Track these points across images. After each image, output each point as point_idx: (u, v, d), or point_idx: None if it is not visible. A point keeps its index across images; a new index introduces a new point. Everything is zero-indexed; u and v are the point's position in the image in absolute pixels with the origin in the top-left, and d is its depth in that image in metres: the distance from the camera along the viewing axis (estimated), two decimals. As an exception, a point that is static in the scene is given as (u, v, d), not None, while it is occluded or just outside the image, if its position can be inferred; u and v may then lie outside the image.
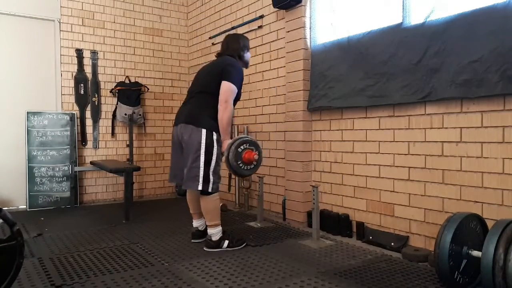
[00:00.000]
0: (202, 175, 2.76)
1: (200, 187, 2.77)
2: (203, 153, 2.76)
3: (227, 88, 2.80)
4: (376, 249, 2.95)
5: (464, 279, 2.13)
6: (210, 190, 2.79)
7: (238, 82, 2.88)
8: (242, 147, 2.83)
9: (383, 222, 3.11)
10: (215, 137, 2.81)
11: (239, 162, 2.82)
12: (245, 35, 3.41)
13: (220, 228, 2.91)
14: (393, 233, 3.01)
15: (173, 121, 5.38)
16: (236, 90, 2.86)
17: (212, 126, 2.82)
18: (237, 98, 2.93)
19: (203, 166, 2.76)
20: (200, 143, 2.76)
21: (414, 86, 2.80)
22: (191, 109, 2.89)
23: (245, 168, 2.87)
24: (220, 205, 3.20)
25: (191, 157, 2.79)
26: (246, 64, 3.14)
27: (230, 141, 2.83)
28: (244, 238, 3.05)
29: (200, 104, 2.87)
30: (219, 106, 2.80)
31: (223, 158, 2.86)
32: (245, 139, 2.86)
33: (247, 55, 3.12)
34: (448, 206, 2.67)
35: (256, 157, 2.85)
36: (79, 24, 4.88)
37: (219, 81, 2.82)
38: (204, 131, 2.78)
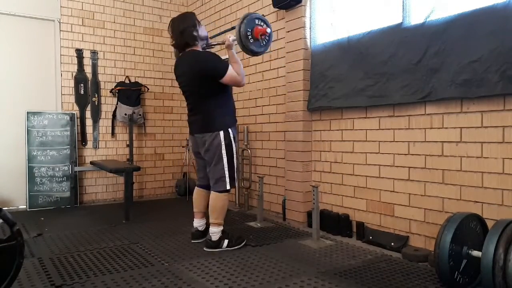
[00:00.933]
0: (228, 175, 2.85)
1: (228, 187, 2.86)
2: (225, 154, 2.84)
3: (229, 78, 2.80)
4: (376, 249, 2.95)
5: (464, 279, 2.13)
6: (235, 185, 2.96)
7: (222, 63, 2.81)
8: (252, 23, 2.74)
9: (383, 222, 3.11)
10: (231, 135, 2.88)
11: (253, 41, 2.75)
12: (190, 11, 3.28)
13: (221, 228, 2.92)
14: (393, 233, 3.01)
15: (174, 121, 5.47)
16: (230, 67, 2.80)
17: (227, 123, 2.88)
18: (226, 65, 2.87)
19: (227, 165, 2.85)
20: (220, 145, 2.84)
21: (414, 86, 2.80)
22: (202, 117, 2.90)
23: (260, 44, 2.80)
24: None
25: (214, 160, 2.86)
26: (206, 40, 2.99)
27: (238, 20, 2.76)
28: (244, 237, 3.05)
29: (208, 110, 2.88)
30: (241, 86, 2.94)
31: (234, 36, 2.76)
32: (249, 17, 2.76)
33: (202, 31, 2.92)
34: (448, 206, 2.67)
35: (268, 30, 2.79)
36: (79, 24, 4.88)
37: (210, 82, 2.81)
38: (221, 133, 2.84)
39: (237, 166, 2.94)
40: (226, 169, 2.85)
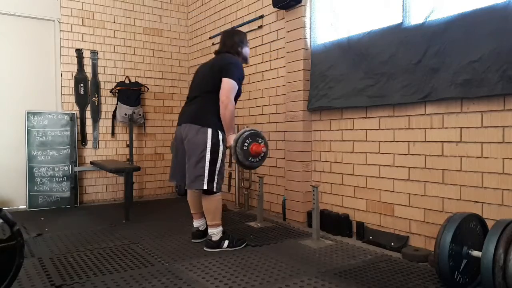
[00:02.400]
0: (207, 175, 2.76)
1: (205, 187, 2.77)
2: (209, 153, 2.76)
3: (227, 85, 2.79)
4: (376, 249, 2.95)
5: (464, 279, 2.13)
6: (214, 189, 2.80)
7: (238, 78, 2.86)
8: (248, 140, 2.81)
9: (383, 222, 3.11)
10: (220, 136, 2.82)
11: (248, 157, 2.82)
12: (243, 31, 3.40)
13: (220, 228, 2.91)
14: (393, 233, 3.01)
15: (174, 121, 5.46)
16: (237, 87, 2.85)
17: (218, 125, 2.82)
18: (237, 95, 2.91)
19: (208, 165, 2.76)
20: (206, 143, 2.76)
21: (414, 86, 2.80)
22: (196, 109, 2.88)
23: (254, 160, 2.87)
24: (220, 205, 3.20)
25: (196, 157, 2.78)
26: (245, 60, 3.11)
27: (235, 135, 2.83)
28: (244, 238, 3.05)
29: (204, 104, 2.87)
30: (220, 103, 2.79)
31: (231, 152, 2.85)
32: (250, 132, 2.84)
33: (246, 50, 3.08)
34: (448, 206, 2.67)
35: (264, 149, 2.85)
36: (79, 24, 4.88)
37: (220, 79, 2.81)
38: (209, 130, 2.78)
39: (220, 170, 2.81)
40: (206, 168, 2.75)
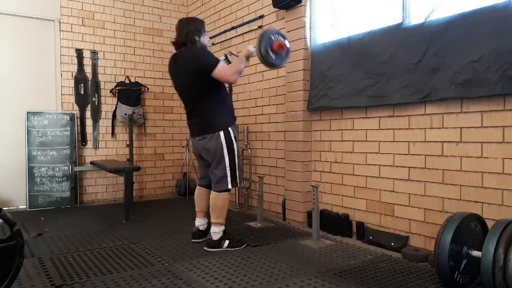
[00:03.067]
0: (229, 174, 2.85)
1: (229, 186, 2.86)
2: (226, 153, 2.83)
3: (219, 73, 2.75)
4: (376, 249, 2.95)
5: (464, 279, 2.13)
6: (238, 184, 2.93)
7: (213, 58, 2.81)
8: (273, 37, 2.78)
9: (383, 222, 3.11)
10: (232, 134, 2.88)
11: (273, 54, 2.78)
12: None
13: (223, 228, 2.92)
14: (393, 233, 3.01)
15: (174, 121, 5.47)
16: (222, 63, 2.82)
17: (226, 123, 2.87)
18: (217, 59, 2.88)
19: (229, 164, 2.84)
20: (222, 145, 2.83)
21: (414, 86, 2.80)
22: (200, 120, 2.90)
23: (278, 56, 2.83)
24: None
25: (216, 160, 2.86)
26: (205, 47, 3.02)
27: (258, 35, 2.80)
28: (245, 239, 3.05)
29: (204, 112, 2.87)
30: (231, 82, 2.87)
31: (256, 52, 2.79)
32: (271, 30, 2.82)
33: (204, 39, 2.97)
34: (448, 206, 2.67)
35: (287, 43, 2.83)
36: (79, 24, 4.88)
37: (205, 79, 2.78)
38: (221, 133, 2.83)
39: (239, 165, 2.94)
40: (228, 168, 2.84)
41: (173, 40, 2.99)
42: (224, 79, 2.82)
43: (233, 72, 2.79)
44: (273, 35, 2.79)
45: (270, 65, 2.88)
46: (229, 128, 2.87)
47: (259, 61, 2.87)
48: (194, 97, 2.89)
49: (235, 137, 2.90)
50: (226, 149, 2.83)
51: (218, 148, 2.83)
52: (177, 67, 2.94)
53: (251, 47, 2.82)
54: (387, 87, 2.98)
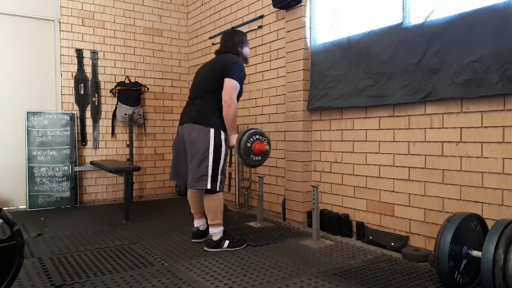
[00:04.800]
0: (210, 174, 2.77)
1: (209, 186, 2.78)
2: (212, 152, 2.77)
3: (229, 85, 2.80)
4: (376, 249, 2.95)
5: (464, 279, 2.13)
6: (218, 189, 2.82)
7: (240, 78, 2.87)
8: (251, 139, 2.82)
9: (383, 222, 3.11)
10: (223, 136, 2.83)
11: (250, 156, 2.83)
12: (243, 31, 3.40)
13: (221, 228, 2.91)
14: (393, 233, 3.01)
15: (174, 121, 5.46)
16: (239, 86, 2.85)
17: (220, 125, 2.83)
18: (239, 94, 2.92)
19: (211, 165, 2.77)
20: (208, 142, 2.77)
21: (414, 86, 2.80)
22: (197, 109, 2.89)
23: (257, 158, 2.88)
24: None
25: (198, 157, 2.78)
26: (245, 60, 3.12)
27: (238, 135, 2.84)
28: (245, 238, 3.05)
29: (206, 104, 2.87)
30: (222, 102, 2.80)
31: (235, 152, 2.86)
32: (253, 131, 2.86)
33: (246, 50, 3.10)
34: (448, 206, 2.67)
35: (267, 147, 2.85)
36: (79, 24, 4.88)
37: (222, 80, 2.81)
38: (212, 130, 2.79)
39: (223, 169, 2.84)
40: (210, 168, 2.76)
41: (217, 49, 3.09)
42: (224, 91, 2.80)
43: (232, 98, 2.79)
44: (255, 136, 2.83)
45: (248, 166, 2.98)
46: (221, 131, 2.83)
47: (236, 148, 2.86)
48: (206, 89, 2.90)
49: (225, 140, 2.84)
50: (212, 148, 2.77)
51: (204, 143, 2.76)
52: (208, 65, 3.02)
53: (235, 142, 2.83)
54: (387, 87, 2.98)
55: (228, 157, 4.54)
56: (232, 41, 3.04)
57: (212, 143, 2.77)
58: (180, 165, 3.02)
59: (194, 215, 3.14)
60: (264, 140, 2.88)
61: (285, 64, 3.89)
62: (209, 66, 3.01)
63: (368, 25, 3.17)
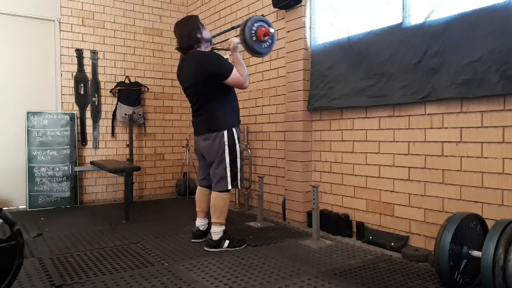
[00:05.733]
0: (229, 175, 2.85)
1: (229, 186, 2.86)
2: (227, 154, 2.83)
3: (233, 80, 2.80)
4: (376, 249, 2.95)
5: (464, 279, 2.13)
6: (239, 186, 2.98)
7: (228, 66, 2.82)
8: (255, 25, 2.76)
9: (383, 222, 3.11)
10: (235, 135, 2.88)
11: (258, 43, 2.77)
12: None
13: (223, 228, 2.92)
14: (393, 233, 3.01)
15: (174, 121, 5.47)
16: (236, 73, 2.81)
17: (231, 123, 2.88)
18: (231, 69, 2.87)
19: (229, 165, 2.84)
20: (224, 145, 2.83)
21: (414, 86, 2.80)
22: (206, 119, 2.90)
23: (264, 45, 2.82)
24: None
25: (217, 160, 2.87)
26: (209, 42, 3.03)
27: (242, 23, 2.79)
28: (245, 238, 3.05)
29: (211, 112, 2.88)
30: (244, 89, 2.93)
31: (240, 39, 2.77)
32: (252, 19, 2.78)
33: (205, 33, 2.96)
34: (448, 206, 2.67)
35: (271, 30, 2.80)
36: (79, 24, 4.88)
37: (212, 83, 2.80)
38: (225, 132, 2.84)
39: (241, 167, 2.94)
40: (228, 169, 2.84)
41: (177, 46, 2.97)
42: (238, 87, 2.88)
43: (245, 78, 2.85)
44: (257, 22, 2.76)
45: (257, 53, 2.85)
46: (233, 129, 2.88)
47: (244, 50, 2.82)
48: (203, 97, 2.89)
49: (238, 138, 2.90)
50: (227, 150, 2.83)
51: (220, 148, 2.84)
52: (186, 70, 2.94)
53: (235, 39, 2.82)
54: (387, 87, 2.98)
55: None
56: (187, 30, 2.87)
57: (227, 144, 2.83)
58: (204, 170, 3.09)
59: (198, 213, 3.14)
60: (266, 25, 2.80)
61: (285, 64, 3.89)
62: (190, 76, 2.90)
63: (368, 25, 3.17)
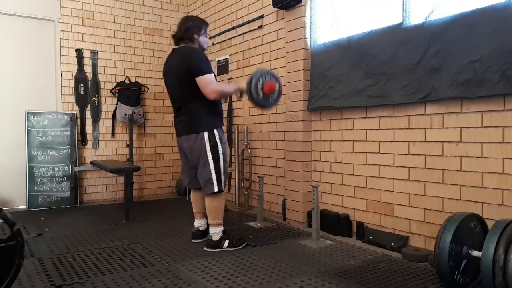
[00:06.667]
0: (215, 177, 2.80)
1: (216, 189, 2.81)
2: (210, 155, 2.79)
3: (202, 82, 2.73)
4: (376, 249, 2.95)
5: (464, 279, 2.13)
6: (222, 189, 2.85)
7: (207, 67, 2.79)
8: (261, 80, 2.76)
9: (383, 222, 3.11)
10: (217, 136, 2.83)
11: (263, 96, 2.78)
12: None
13: (221, 228, 2.91)
14: (393, 233, 3.01)
15: (173, 121, 5.45)
16: (212, 76, 2.79)
17: (211, 124, 2.83)
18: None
19: (213, 167, 2.80)
20: (205, 147, 2.79)
21: (414, 86, 2.80)
22: (186, 119, 2.87)
23: (271, 100, 2.85)
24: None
25: (201, 163, 2.83)
26: (202, 48, 2.99)
27: (247, 78, 2.78)
28: (245, 238, 3.05)
29: (191, 112, 2.84)
30: (212, 99, 2.77)
31: (247, 95, 2.78)
32: (261, 72, 2.80)
33: (203, 39, 2.95)
34: (448, 206, 2.67)
35: (277, 85, 2.82)
36: (79, 24, 4.88)
37: (192, 82, 2.75)
38: (206, 134, 2.79)
39: (224, 169, 2.87)
40: (212, 171, 2.79)
41: (172, 34, 2.99)
42: (203, 90, 2.75)
43: (215, 89, 2.74)
44: (265, 76, 2.78)
45: (260, 106, 2.88)
46: (215, 130, 2.82)
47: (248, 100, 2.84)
48: (182, 96, 2.86)
49: (220, 139, 2.84)
50: (210, 152, 2.79)
51: (202, 149, 2.79)
52: (171, 64, 2.93)
53: (246, 85, 2.80)
54: (387, 87, 2.98)
55: (228, 157, 4.54)
56: (186, 25, 2.89)
57: (208, 146, 2.79)
58: (189, 171, 3.05)
59: (196, 214, 3.15)
60: (273, 79, 2.82)
61: (285, 64, 3.89)
62: (174, 71, 2.87)
63: (368, 25, 3.17)
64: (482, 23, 2.43)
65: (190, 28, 2.89)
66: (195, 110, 2.83)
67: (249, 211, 4.31)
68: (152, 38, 5.38)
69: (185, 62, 2.78)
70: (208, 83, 2.74)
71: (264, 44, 4.21)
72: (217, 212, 2.88)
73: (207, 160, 2.79)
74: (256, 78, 2.74)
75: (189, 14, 3.00)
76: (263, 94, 2.77)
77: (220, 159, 2.83)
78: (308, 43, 3.68)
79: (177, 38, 2.93)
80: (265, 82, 2.76)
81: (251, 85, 2.72)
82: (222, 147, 2.85)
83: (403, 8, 2.91)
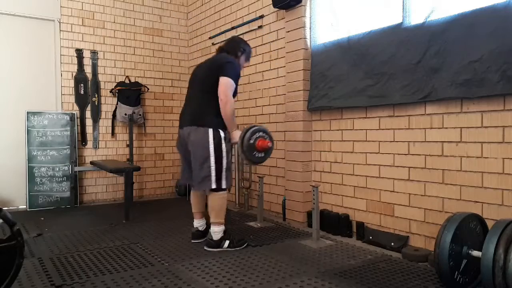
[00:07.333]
0: (214, 174, 2.80)
1: (213, 186, 2.80)
2: (213, 153, 2.79)
3: (224, 83, 2.79)
4: (376, 249, 2.95)
5: (464, 279, 2.13)
6: (223, 186, 2.85)
7: (235, 76, 2.86)
8: (255, 136, 2.83)
9: (383, 222, 3.11)
10: (222, 135, 2.83)
11: (253, 153, 2.85)
12: (244, 38, 3.40)
13: (223, 227, 2.91)
14: (393, 233, 3.01)
15: (174, 121, 5.46)
16: (234, 84, 2.84)
17: (218, 124, 2.83)
18: (234, 93, 2.91)
19: (214, 165, 2.79)
20: (208, 143, 2.78)
21: (414, 86, 2.80)
22: (195, 110, 2.90)
23: (260, 155, 2.90)
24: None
25: (201, 158, 2.81)
26: (239, 65, 3.08)
27: (240, 132, 2.84)
28: (245, 238, 3.05)
29: (202, 104, 2.87)
30: (219, 100, 2.80)
31: (237, 149, 2.89)
32: (255, 128, 2.87)
33: (242, 60, 3.10)
34: (448, 206, 2.67)
35: (269, 144, 2.87)
36: (79, 24, 4.88)
37: (217, 78, 2.81)
38: (210, 130, 2.79)
39: (228, 167, 2.87)
40: (213, 168, 2.79)
41: (219, 46, 3.14)
42: (219, 88, 2.79)
43: (228, 95, 2.79)
44: (258, 133, 2.85)
45: (251, 163, 2.99)
46: (219, 130, 2.83)
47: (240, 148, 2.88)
48: (201, 85, 2.91)
49: (225, 138, 2.85)
50: (212, 149, 2.79)
51: (204, 143, 2.78)
52: (206, 62, 3.04)
53: (239, 139, 2.84)
54: (387, 87, 2.98)
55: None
56: (235, 44, 3.09)
57: (212, 143, 2.78)
58: (187, 167, 3.03)
59: (195, 214, 3.14)
60: (267, 137, 2.89)
61: (285, 64, 3.89)
62: (206, 65, 3.01)
63: (368, 25, 3.17)
64: (482, 23, 2.43)
65: (237, 46, 3.06)
66: (206, 104, 2.85)
67: (249, 211, 4.31)
68: (152, 38, 5.38)
69: (221, 61, 2.89)
70: (227, 86, 2.80)
71: (264, 44, 4.21)
72: (219, 211, 2.88)
73: (208, 156, 2.79)
74: (248, 136, 2.81)
75: (236, 36, 3.17)
76: (256, 151, 2.85)
77: (223, 157, 2.83)
78: (308, 43, 3.68)
79: (222, 49, 3.06)
80: (258, 139, 2.84)
81: (244, 139, 2.81)
82: (227, 146, 2.86)
83: (403, 8, 2.91)
